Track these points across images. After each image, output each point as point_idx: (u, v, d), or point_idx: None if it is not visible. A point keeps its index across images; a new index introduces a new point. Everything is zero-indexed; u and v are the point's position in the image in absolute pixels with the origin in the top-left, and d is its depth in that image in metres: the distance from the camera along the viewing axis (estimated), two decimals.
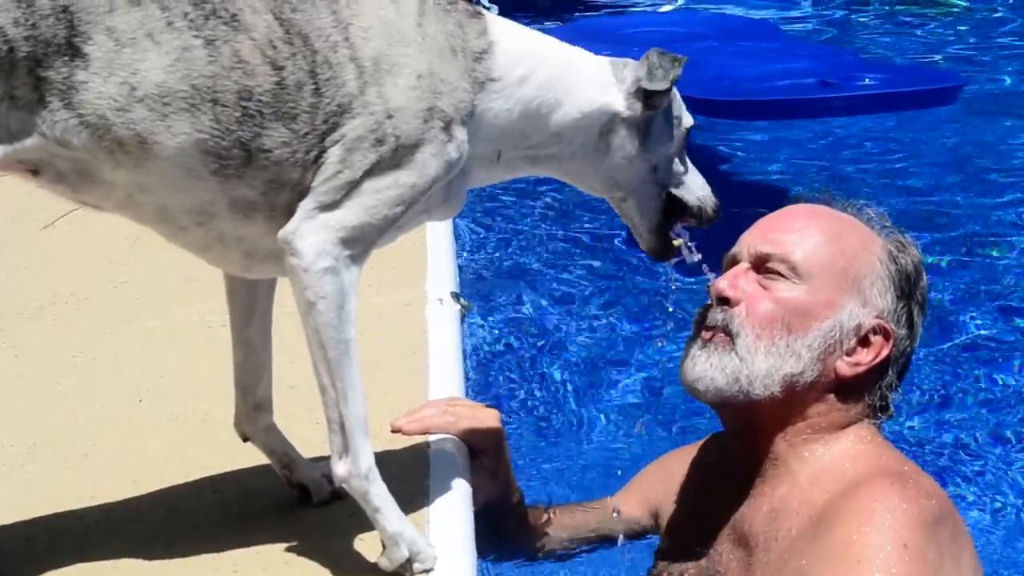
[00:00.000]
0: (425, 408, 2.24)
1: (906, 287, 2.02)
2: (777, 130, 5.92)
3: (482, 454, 2.19)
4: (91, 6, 1.67)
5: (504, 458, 2.22)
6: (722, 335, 1.99)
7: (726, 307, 2.00)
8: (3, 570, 1.90)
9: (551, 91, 1.93)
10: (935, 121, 5.88)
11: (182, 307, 2.91)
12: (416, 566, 1.82)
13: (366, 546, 1.89)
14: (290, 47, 1.73)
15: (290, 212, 1.77)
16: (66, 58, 1.67)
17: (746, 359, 1.96)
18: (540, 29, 2.05)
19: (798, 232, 2.02)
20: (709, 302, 2.04)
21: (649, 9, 9.17)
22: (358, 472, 1.79)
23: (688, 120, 2.06)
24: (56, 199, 1.84)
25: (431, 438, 2.18)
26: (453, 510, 1.99)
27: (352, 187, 1.76)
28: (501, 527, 2.30)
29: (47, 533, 2.02)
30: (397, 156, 1.77)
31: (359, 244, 1.77)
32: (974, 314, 4.02)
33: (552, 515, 2.37)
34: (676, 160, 2.06)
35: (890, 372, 2.02)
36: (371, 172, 1.76)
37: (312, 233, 1.74)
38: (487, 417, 2.22)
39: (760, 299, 1.98)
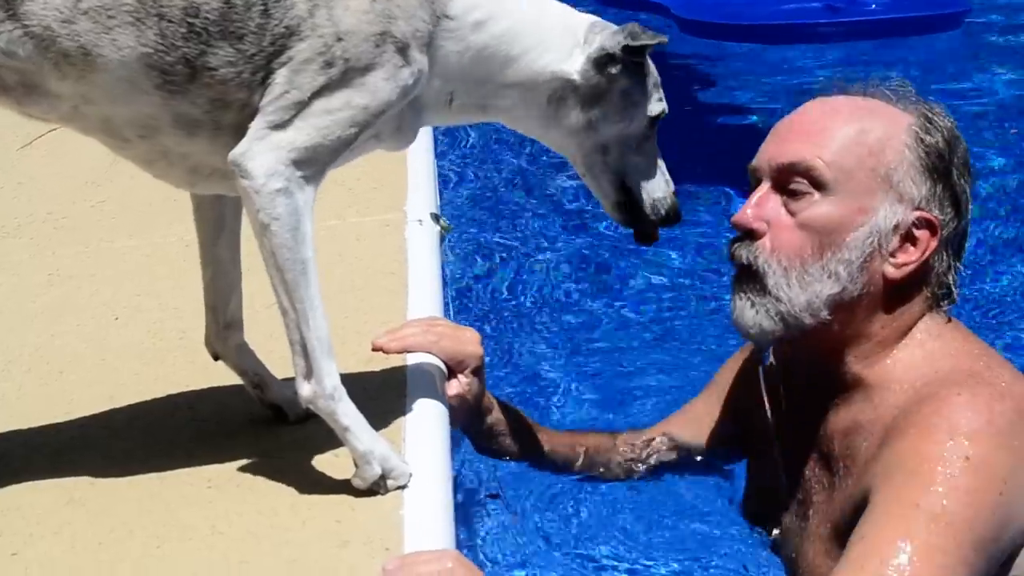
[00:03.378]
0: (406, 327, 2.22)
1: (940, 165, 1.89)
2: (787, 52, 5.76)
3: (461, 374, 2.18)
4: None
5: (482, 378, 2.21)
6: (751, 282, 1.90)
7: (750, 241, 1.91)
8: None
9: (506, 44, 1.87)
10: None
11: (160, 227, 2.88)
12: (390, 483, 1.81)
13: (342, 463, 1.88)
14: None
15: (236, 131, 1.73)
16: None
17: (782, 297, 1.88)
18: None
19: (818, 137, 1.89)
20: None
21: None
22: (323, 392, 1.77)
23: (657, 108, 1.94)
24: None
25: (410, 357, 2.16)
26: (429, 429, 1.99)
27: (301, 107, 1.72)
28: (482, 446, 2.31)
29: (23, 448, 2.02)
30: (347, 79, 1.73)
31: (312, 165, 1.73)
32: None
33: (574, 440, 2.36)
34: (635, 148, 1.96)
35: (944, 257, 1.91)
36: (319, 93, 1.73)
37: (262, 153, 1.70)
38: (468, 337, 2.21)
39: (784, 228, 1.88)
